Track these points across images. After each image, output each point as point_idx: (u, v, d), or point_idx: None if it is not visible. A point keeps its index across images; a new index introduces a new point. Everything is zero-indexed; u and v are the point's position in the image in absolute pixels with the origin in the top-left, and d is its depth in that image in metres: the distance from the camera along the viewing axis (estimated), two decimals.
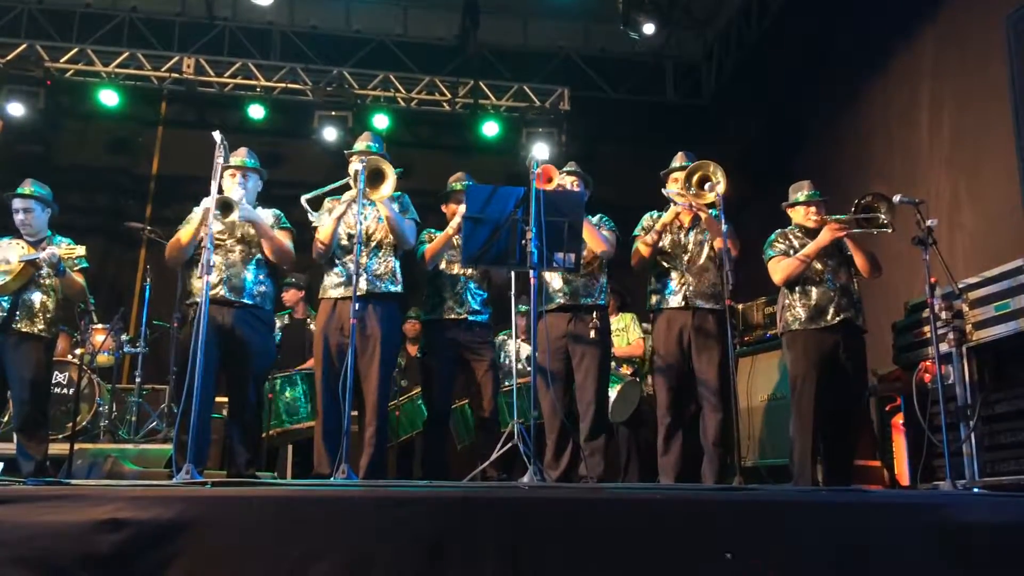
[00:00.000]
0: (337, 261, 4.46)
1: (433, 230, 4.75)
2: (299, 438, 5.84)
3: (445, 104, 9.44)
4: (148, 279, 6.87)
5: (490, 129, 9.37)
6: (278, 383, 5.63)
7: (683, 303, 4.51)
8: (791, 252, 4.56)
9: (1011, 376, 4.31)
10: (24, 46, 8.62)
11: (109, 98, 8.86)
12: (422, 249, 4.68)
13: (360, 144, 4.60)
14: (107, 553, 2.23)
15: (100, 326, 6.54)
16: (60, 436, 5.67)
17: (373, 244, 4.44)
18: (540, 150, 8.65)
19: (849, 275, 4.56)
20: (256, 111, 9.09)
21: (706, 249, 4.56)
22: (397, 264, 4.48)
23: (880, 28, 6.97)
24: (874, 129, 7.03)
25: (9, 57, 8.47)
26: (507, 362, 6.20)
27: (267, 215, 4.52)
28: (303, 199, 4.33)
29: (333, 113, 8.80)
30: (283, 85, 9.14)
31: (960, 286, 4.40)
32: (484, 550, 2.34)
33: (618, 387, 5.53)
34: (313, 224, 4.48)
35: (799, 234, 4.65)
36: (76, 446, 5.11)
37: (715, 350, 4.42)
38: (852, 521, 2.59)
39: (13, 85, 8.28)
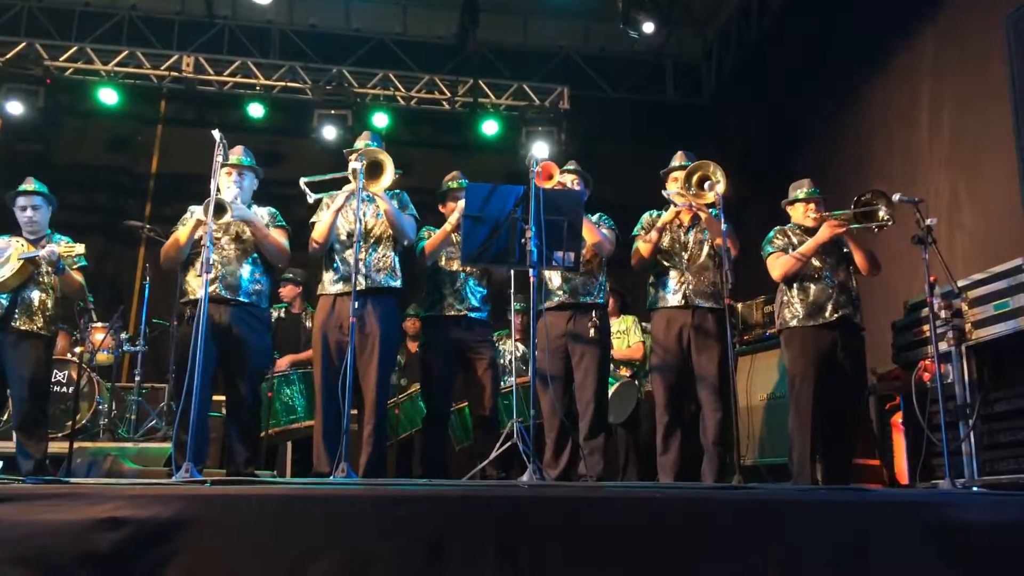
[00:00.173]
0: (336, 257, 4.45)
1: (432, 228, 4.75)
2: (297, 437, 5.84)
3: (445, 103, 9.44)
4: (147, 277, 6.87)
5: (490, 128, 9.37)
6: (275, 382, 5.62)
7: (683, 302, 4.51)
8: (790, 249, 4.56)
9: (1010, 375, 4.30)
10: (23, 44, 8.62)
11: (108, 96, 8.86)
12: (421, 245, 4.67)
13: (359, 143, 4.60)
14: (106, 551, 2.23)
15: (99, 324, 6.53)
16: (59, 434, 5.66)
17: (372, 239, 4.43)
18: (540, 149, 8.65)
19: (848, 273, 4.57)
20: (256, 110, 9.09)
21: (706, 248, 4.56)
22: (397, 259, 4.48)
23: (880, 27, 6.97)
24: (874, 128, 7.03)
25: (8, 56, 8.47)
26: (504, 361, 6.19)
27: (262, 213, 4.52)
28: (303, 181, 4.32)
29: (333, 112, 8.79)
30: (283, 84, 9.13)
31: (959, 285, 4.40)
32: (484, 549, 2.34)
33: (615, 387, 5.53)
34: (311, 220, 4.48)
35: (798, 231, 4.66)
36: (75, 444, 5.11)
37: (715, 349, 4.42)
38: (851, 520, 2.59)
39: (12, 84, 8.28)
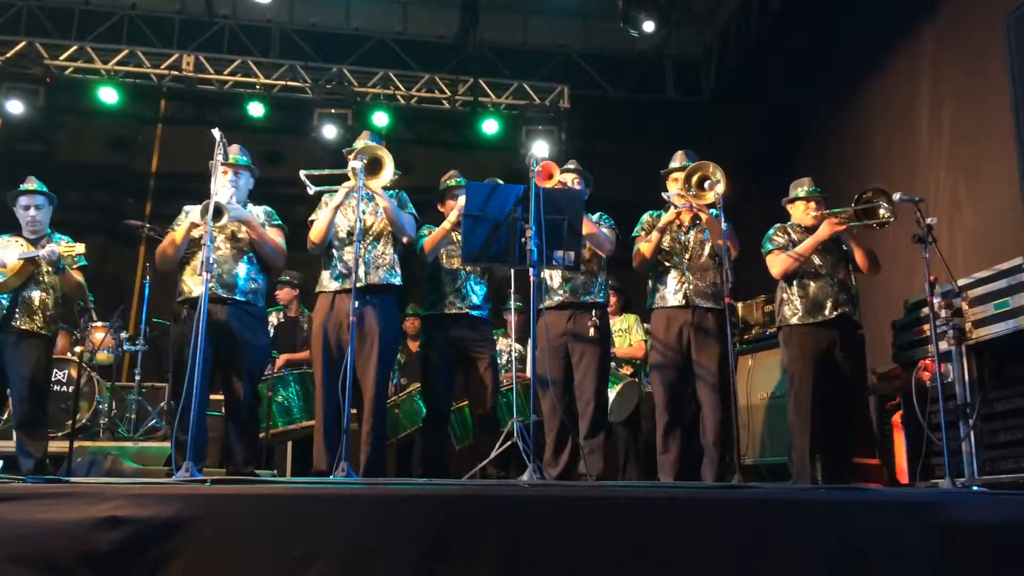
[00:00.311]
0: (335, 255, 4.44)
1: (432, 226, 4.74)
2: (295, 438, 5.84)
3: (445, 102, 9.45)
4: (147, 277, 6.86)
5: (490, 127, 9.38)
6: (271, 384, 5.62)
7: (683, 302, 4.51)
8: (790, 246, 4.57)
9: (1010, 374, 4.31)
10: (23, 44, 8.61)
11: (108, 96, 8.85)
12: (421, 242, 4.67)
13: (359, 143, 4.59)
14: (106, 551, 2.23)
15: (99, 324, 6.53)
16: (60, 434, 5.66)
17: (372, 237, 4.42)
18: (540, 148, 8.65)
19: (847, 271, 4.57)
20: (256, 109, 9.09)
21: (707, 248, 4.56)
22: (396, 256, 4.47)
23: (880, 27, 6.97)
24: (874, 127, 7.03)
25: (9, 55, 8.47)
26: (501, 360, 6.19)
27: (258, 212, 4.51)
28: (303, 173, 4.32)
29: (333, 111, 8.80)
30: (283, 83, 9.13)
31: (960, 284, 4.40)
32: (483, 548, 2.34)
33: (618, 387, 5.53)
34: (310, 218, 4.48)
35: (798, 229, 4.66)
36: (76, 444, 5.11)
37: (715, 348, 4.42)
38: (851, 519, 2.59)
39: (13, 83, 8.28)
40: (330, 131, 8.73)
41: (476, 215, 3.79)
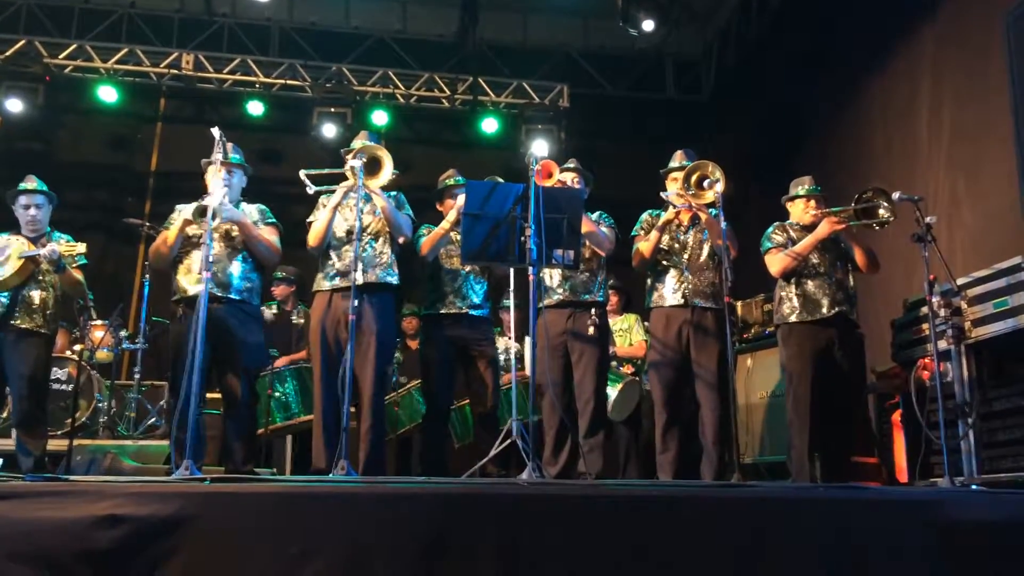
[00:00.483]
0: (333, 254, 4.44)
1: (431, 225, 4.74)
2: (294, 432, 5.84)
3: (444, 101, 9.44)
4: (147, 275, 6.86)
5: (489, 126, 9.37)
6: (268, 380, 5.62)
7: (682, 301, 4.51)
8: (789, 245, 4.57)
9: (1009, 373, 4.31)
10: (23, 42, 8.61)
11: (108, 94, 8.85)
12: (420, 242, 4.67)
13: (357, 143, 4.58)
14: (106, 549, 2.23)
15: (99, 322, 6.53)
16: (59, 432, 5.66)
17: (369, 236, 4.42)
18: (539, 147, 8.64)
19: (846, 271, 4.58)
20: (255, 107, 9.08)
21: (706, 247, 4.56)
22: (394, 256, 4.47)
23: (880, 26, 6.97)
24: (873, 127, 7.03)
25: (8, 53, 8.46)
26: (502, 359, 6.19)
27: (251, 211, 4.49)
28: (303, 172, 4.32)
29: (332, 110, 8.80)
30: (282, 81, 9.13)
31: (959, 283, 4.40)
32: (483, 546, 2.34)
33: (619, 386, 5.53)
34: (308, 219, 4.47)
35: (797, 228, 4.66)
36: (75, 442, 5.11)
37: (714, 347, 4.42)
38: (850, 518, 2.60)
39: (12, 81, 8.27)
40: (329, 130, 8.72)
41: (475, 214, 3.79)
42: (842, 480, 4.38)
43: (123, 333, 6.79)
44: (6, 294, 4.61)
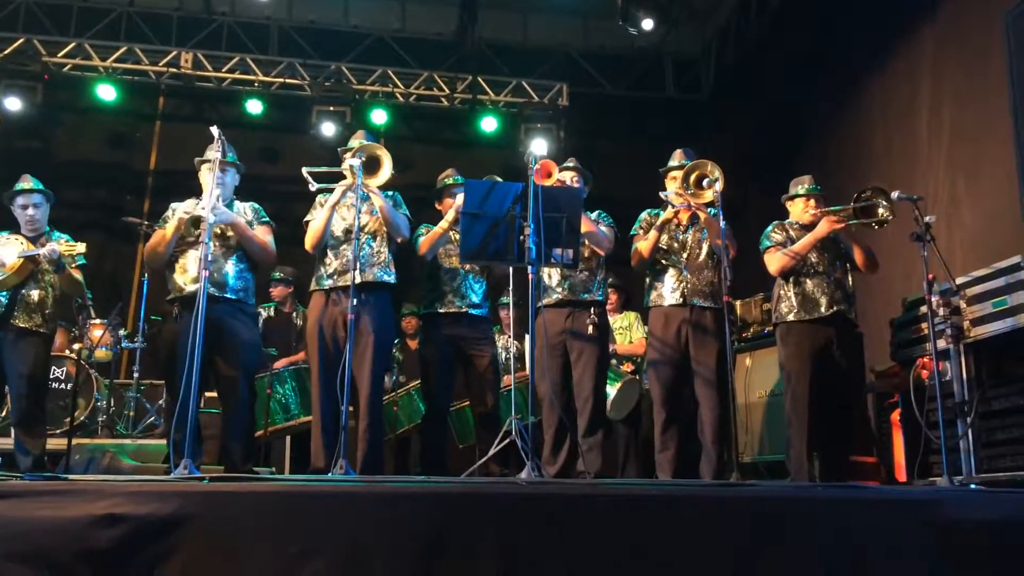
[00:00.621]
0: (330, 253, 4.43)
1: (430, 225, 4.74)
2: (293, 433, 5.84)
3: (444, 99, 9.44)
4: (146, 274, 6.86)
5: (488, 125, 9.37)
6: (268, 381, 5.61)
7: (681, 300, 4.51)
8: (788, 243, 4.57)
9: (1008, 372, 4.31)
10: (21, 40, 8.60)
11: (107, 93, 8.84)
12: (419, 241, 4.67)
13: (354, 142, 4.57)
14: (105, 548, 2.23)
15: (98, 321, 6.53)
16: (58, 431, 5.66)
17: (367, 235, 4.41)
18: (538, 146, 8.63)
19: (845, 270, 4.58)
20: (254, 106, 9.07)
21: (705, 247, 4.56)
22: (391, 255, 4.47)
23: (879, 25, 6.97)
24: (873, 126, 7.03)
25: (7, 51, 8.45)
26: (501, 359, 6.19)
27: (245, 209, 4.48)
28: (305, 170, 4.31)
29: (331, 108, 8.79)
30: (281, 80, 9.12)
31: (958, 282, 4.40)
32: (482, 545, 2.34)
33: (618, 385, 5.54)
34: (306, 218, 4.47)
35: (797, 227, 4.66)
36: (74, 441, 5.10)
37: (713, 346, 4.42)
38: (849, 517, 2.60)
39: (10, 80, 8.27)
40: (328, 129, 8.71)
41: (474, 213, 3.79)
42: (841, 479, 4.39)
43: (122, 332, 6.79)
44: (5, 293, 4.61)
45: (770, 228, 4.69)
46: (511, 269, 4.50)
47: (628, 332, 6.31)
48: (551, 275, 4.63)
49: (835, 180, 6.60)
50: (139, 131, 9.32)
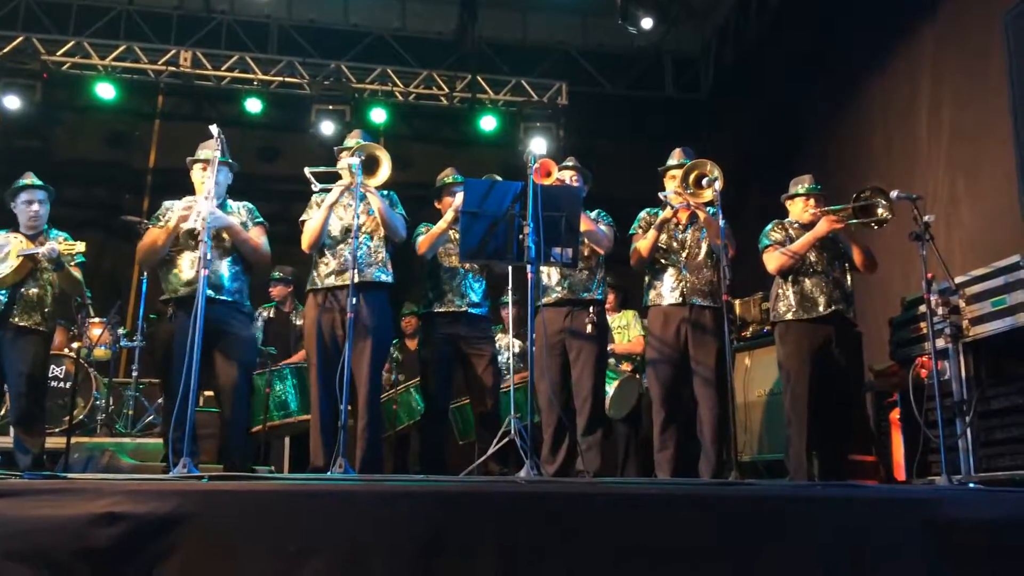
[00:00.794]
0: (327, 252, 4.42)
1: (430, 224, 4.73)
2: (292, 432, 5.84)
3: (443, 98, 9.44)
4: (145, 273, 6.86)
5: (488, 123, 9.37)
6: (267, 378, 5.61)
7: (680, 299, 4.51)
8: (787, 242, 4.58)
9: (1007, 371, 4.32)
10: (21, 39, 8.60)
11: (106, 91, 8.84)
12: (418, 240, 4.66)
13: (350, 141, 4.55)
14: (104, 547, 2.23)
15: (97, 320, 6.52)
16: (57, 430, 5.66)
17: (364, 234, 4.39)
18: (538, 145, 8.62)
19: (843, 269, 4.58)
20: (253, 105, 9.07)
21: (704, 246, 4.56)
22: (388, 255, 4.46)
23: (879, 25, 6.97)
24: (873, 126, 7.03)
25: (6, 50, 8.45)
26: (502, 359, 6.20)
27: (239, 209, 4.46)
28: (307, 170, 4.30)
29: (331, 107, 8.79)
30: (280, 79, 9.12)
31: (957, 282, 4.40)
32: (481, 544, 2.34)
33: (615, 383, 5.54)
34: (301, 217, 4.47)
35: (796, 226, 4.67)
36: (73, 440, 5.10)
37: (712, 346, 4.42)
38: (848, 516, 2.60)
39: (9, 78, 8.26)
40: (328, 127, 8.71)
41: (474, 212, 3.79)
42: (840, 478, 4.39)
43: (121, 330, 6.79)
44: (4, 292, 4.61)
45: (769, 227, 4.70)
46: (510, 268, 4.49)
47: (626, 331, 6.31)
48: (550, 274, 4.63)
49: (835, 180, 6.61)
50: (138, 130, 9.32)
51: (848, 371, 4.54)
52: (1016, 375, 4.26)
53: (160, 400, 6.40)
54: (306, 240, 4.42)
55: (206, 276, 3.63)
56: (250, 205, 4.53)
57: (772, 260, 4.58)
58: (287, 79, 9.13)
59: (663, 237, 4.60)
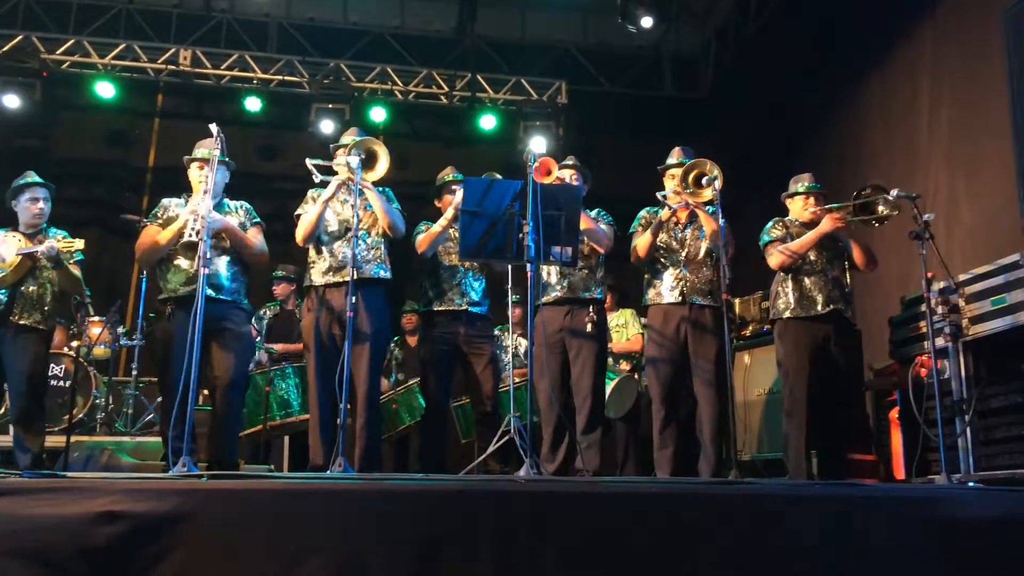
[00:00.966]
0: (324, 249, 4.41)
1: (430, 222, 4.73)
2: (293, 431, 5.84)
3: (443, 97, 9.44)
4: (144, 271, 6.85)
5: (487, 122, 9.35)
6: (269, 377, 5.61)
7: (680, 298, 4.51)
8: (788, 239, 4.58)
9: (1007, 370, 4.31)
10: (20, 37, 8.59)
11: (105, 90, 8.83)
12: (418, 239, 4.66)
13: (346, 139, 4.54)
14: (103, 546, 2.23)
15: (96, 318, 6.52)
16: (56, 429, 5.65)
17: (361, 230, 4.37)
18: (537, 143, 8.64)
19: (843, 268, 4.58)
20: (253, 103, 9.06)
21: (704, 245, 4.56)
22: (385, 251, 4.45)
23: (879, 24, 6.97)
24: (873, 124, 7.03)
25: (5, 48, 8.45)
26: (506, 357, 6.19)
27: (236, 209, 4.45)
28: (309, 162, 4.29)
29: (330, 106, 8.78)
30: (280, 77, 9.12)
31: (957, 280, 4.40)
32: (481, 543, 2.34)
33: (614, 382, 5.54)
34: (296, 212, 4.46)
35: (796, 224, 4.67)
36: (72, 439, 5.10)
37: (712, 344, 4.42)
38: (847, 515, 2.60)
39: (9, 77, 8.26)
40: (327, 126, 8.70)
41: (474, 211, 3.78)
42: (839, 477, 4.39)
43: (120, 329, 6.79)
44: (4, 291, 4.60)
45: (770, 224, 4.70)
46: (510, 267, 4.49)
47: (624, 330, 6.31)
48: (550, 273, 4.63)
49: (834, 179, 6.59)
50: (138, 128, 9.32)
51: (847, 370, 4.55)
52: (1016, 374, 4.26)
53: (159, 399, 6.41)
54: (300, 232, 4.39)
55: (205, 275, 3.62)
56: (248, 205, 4.52)
57: (774, 257, 4.59)
58: (287, 78, 9.12)
59: (663, 236, 4.60)
